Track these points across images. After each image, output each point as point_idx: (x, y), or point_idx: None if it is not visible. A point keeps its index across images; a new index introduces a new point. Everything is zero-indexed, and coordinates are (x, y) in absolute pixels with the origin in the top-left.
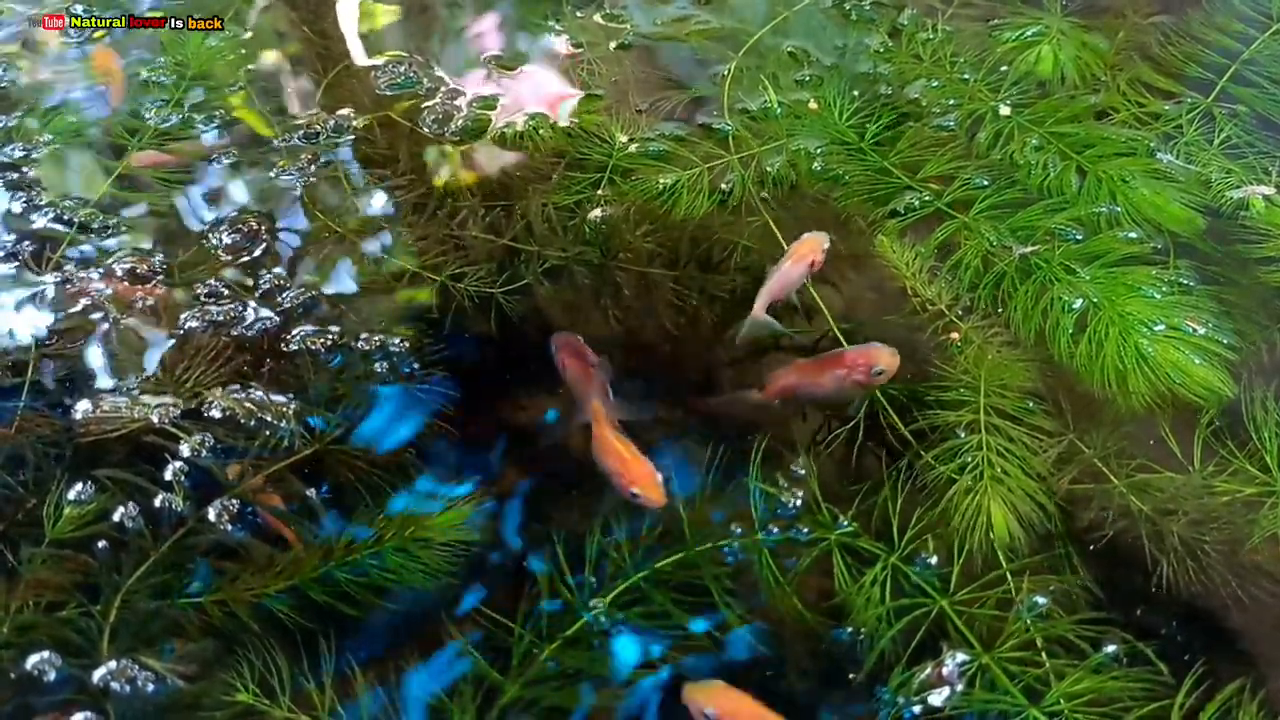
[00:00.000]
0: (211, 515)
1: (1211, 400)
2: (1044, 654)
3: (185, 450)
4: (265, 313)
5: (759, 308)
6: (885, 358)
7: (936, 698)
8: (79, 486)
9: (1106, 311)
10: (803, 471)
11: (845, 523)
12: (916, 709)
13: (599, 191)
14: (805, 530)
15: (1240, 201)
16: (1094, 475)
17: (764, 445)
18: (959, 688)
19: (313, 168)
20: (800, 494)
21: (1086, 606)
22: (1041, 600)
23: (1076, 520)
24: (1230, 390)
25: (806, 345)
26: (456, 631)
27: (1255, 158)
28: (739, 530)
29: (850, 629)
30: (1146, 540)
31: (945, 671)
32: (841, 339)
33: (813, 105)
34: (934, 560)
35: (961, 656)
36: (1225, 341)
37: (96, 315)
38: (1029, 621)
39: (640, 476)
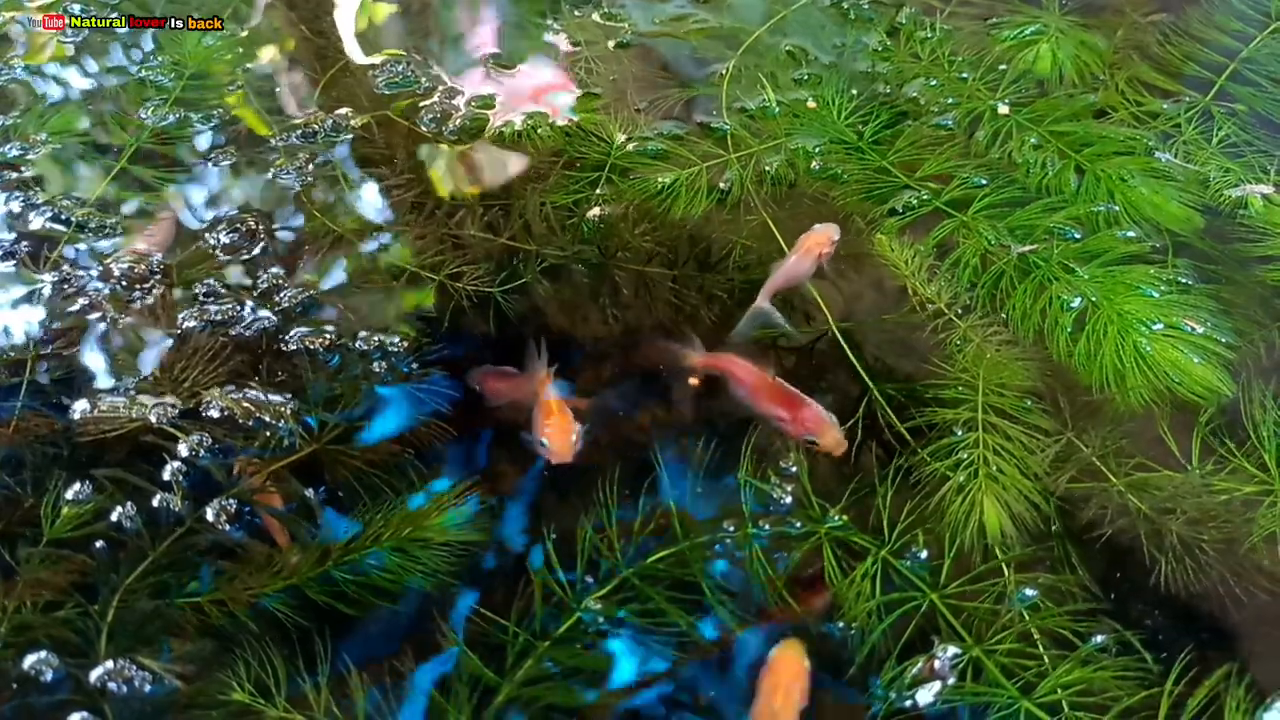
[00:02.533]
0: (210, 515)
1: (1210, 399)
2: (1039, 646)
3: (183, 450)
4: (263, 312)
5: (762, 297)
6: (830, 440)
7: (928, 692)
8: (77, 486)
9: (1105, 310)
10: (794, 468)
11: (836, 517)
12: (908, 702)
13: (597, 190)
14: (797, 525)
15: (1239, 200)
16: (1092, 474)
17: (754, 441)
18: (950, 681)
19: (311, 167)
20: (790, 489)
21: (1082, 602)
22: (1031, 593)
23: (1075, 518)
24: (1229, 389)
25: (803, 345)
26: (452, 631)
27: (1254, 156)
28: (731, 527)
29: (841, 623)
30: (1145, 539)
31: (937, 665)
32: (840, 338)
33: (811, 104)
34: (924, 555)
35: (953, 650)
36: (1224, 340)
37: (94, 315)
38: (1022, 611)
39: (556, 431)
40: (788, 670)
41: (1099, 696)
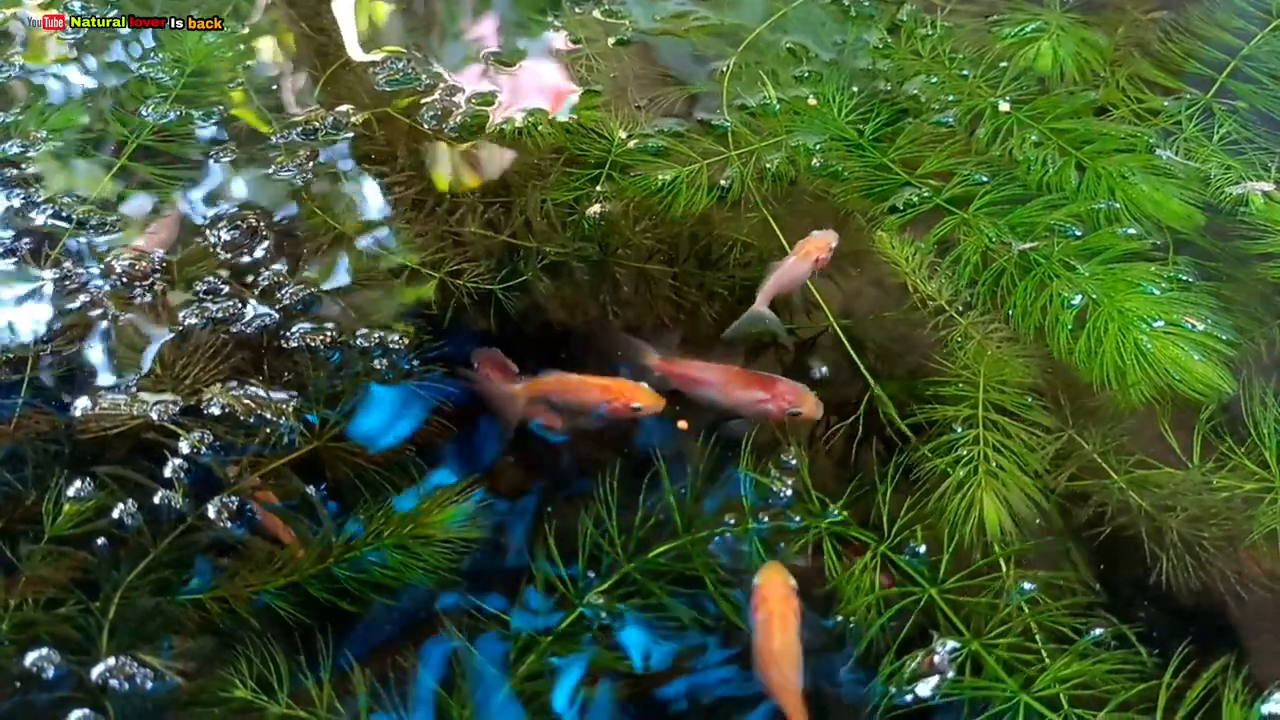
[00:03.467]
0: (211, 512)
1: (1211, 396)
2: (1036, 640)
3: (184, 447)
4: (264, 309)
5: (761, 301)
6: (810, 406)
7: (927, 685)
8: (78, 483)
9: (1106, 307)
10: (794, 461)
11: (836, 512)
12: (908, 696)
13: (598, 188)
14: (797, 518)
15: (1239, 197)
16: (1093, 471)
17: (755, 435)
18: (949, 675)
19: (311, 164)
20: (790, 482)
21: (1080, 597)
22: (1030, 587)
23: (1075, 515)
24: (1229, 386)
25: (801, 342)
26: (455, 627)
27: (1254, 154)
28: (731, 520)
29: (840, 617)
30: (1145, 536)
31: (936, 659)
32: (841, 334)
33: (812, 101)
34: (923, 549)
35: (952, 644)
36: (1224, 337)
37: (95, 312)
38: (1021, 606)
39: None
40: (777, 597)
41: (1097, 690)
